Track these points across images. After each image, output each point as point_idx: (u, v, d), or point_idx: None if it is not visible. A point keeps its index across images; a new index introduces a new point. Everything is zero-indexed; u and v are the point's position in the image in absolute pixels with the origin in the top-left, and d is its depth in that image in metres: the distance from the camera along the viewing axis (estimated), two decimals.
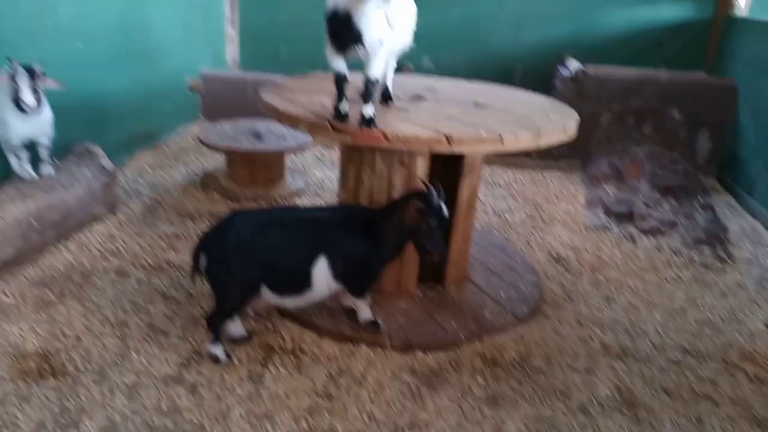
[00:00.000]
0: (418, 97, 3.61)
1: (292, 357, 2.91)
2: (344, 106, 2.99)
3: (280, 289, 2.85)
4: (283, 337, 3.03)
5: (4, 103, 3.60)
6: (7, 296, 3.24)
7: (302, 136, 4.98)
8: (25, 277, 3.43)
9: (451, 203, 3.20)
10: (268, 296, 2.85)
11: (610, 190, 5.26)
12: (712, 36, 6.53)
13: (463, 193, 3.40)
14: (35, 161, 3.91)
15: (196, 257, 2.79)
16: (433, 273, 3.51)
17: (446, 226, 2.96)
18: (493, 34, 6.86)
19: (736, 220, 4.95)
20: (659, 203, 4.91)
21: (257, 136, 5.03)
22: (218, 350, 2.84)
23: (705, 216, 4.70)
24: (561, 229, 4.61)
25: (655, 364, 3.04)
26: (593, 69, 6.02)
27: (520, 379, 2.86)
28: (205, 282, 2.84)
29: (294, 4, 7.12)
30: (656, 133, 5.99)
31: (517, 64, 6.82)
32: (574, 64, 6.11)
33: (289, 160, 5.46)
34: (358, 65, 2.99)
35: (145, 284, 3.46)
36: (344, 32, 2.86)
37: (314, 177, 5.43)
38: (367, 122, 2.89)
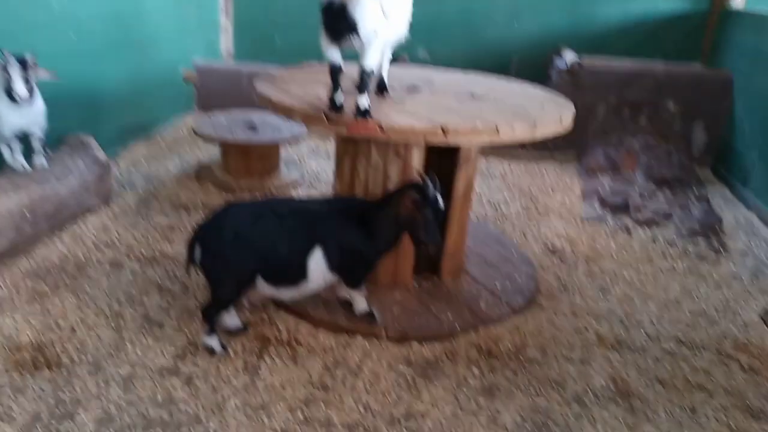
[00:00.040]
0: (413, 89, 3.60)
1: (287, 348, 2.91)
2: (339, 97, 2.98)
3: (276, 280, 2.85)
4: (278, 329, 3.03)
5: None
6: (1, 288, 3.23)
7: (297, 128, 4.96)
8: (19, 269, 3.42)
9: (447, 195, 3.20)
10: (263, 288, 2.84)
11: (605, 182, 5.27)
12: (708, 28, 6.52)
13: (459, 184, 3.39)
14: (28, 153, 3.88)
15: (190, 248, 2.78)
16: (428, 264, 3.51)
17: (442, 218, 2.96)
18: (489, 25, 6.83)
19: (731, 212, 4.96)
20: (654, 194, 4.91)
21: (252, 127, 5.00)
22: (214, 341, 2.83)
23: (700, 207, 4.71)
24: (556, 220, 4.61)
25: (650, 355, 3.05)
26: (589, 60, 6.01)
27: (516, 369, 2.87)
28: (200, 273, 2.83)
29: None
30: (652, 124, 5.99)
31: (513, 56, 6.80)
32: (570, 56, 6.10)
33: (284, 152, 5.44)
34: (353, 56, 2.97)
35: (139, 276, 3.45)
36: (339, 22, 2.84)
37: (309, 168, 5.41)
38: (362, 113, 2.88)
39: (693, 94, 5.86)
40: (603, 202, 4.85)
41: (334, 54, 2.96)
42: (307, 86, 3.46)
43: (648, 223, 4.51)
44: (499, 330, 3.15)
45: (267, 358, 2.82)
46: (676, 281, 3.79)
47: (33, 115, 3.76)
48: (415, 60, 6.62)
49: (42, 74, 3.70)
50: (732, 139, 5.72)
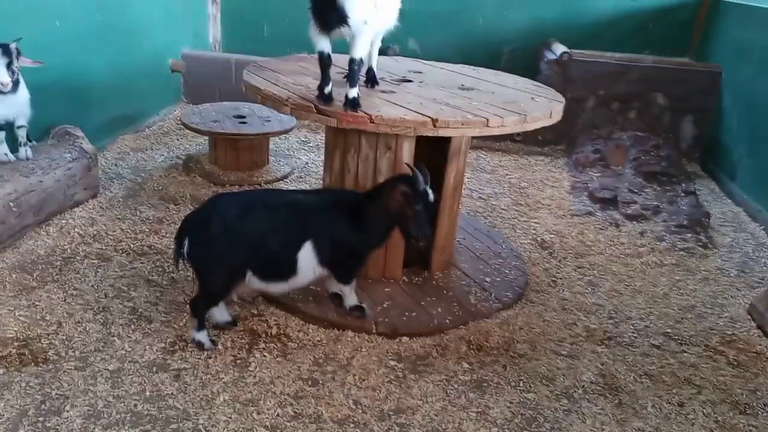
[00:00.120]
0: (403, 80, 3.58)
1: (277, 343, 2.90)
2: (329, 88, 2.96)
3: (266, 274, 2.83)
4: (268, 323, 3.01)
5: None
6: None
7: (287, 119, 4.93)
8: (5, 263, 3.37)
9: (437, 188, 3.19)
10: (253, 282, 2.82)
11: (594, 176, 5.28)
12: (697, 21, 6.54)
13: (449, 177, 3.39)
14: (13, 143, 3.82)
15: (179, 241, 2.75)
16: (418, 258, 3.50)
17: (432, 211, 2.95)
18: (480, 17, 6.80)
19: (719, 206, 5.00)
20: (643, 189, 4.93)
21: (241, 118, 4.96)
22: (203, 336, 2.81)
23: (688, 202, 4.74)
24: (546, 214, 4.62)
25: (638, 349, 3.07)
26: (578, 53, 6.00)
27: (505, 364, 2.87)
28: (189, 267, 2.81)
29: None
30: (641, 118, 6.01)
31: (504, 48, 6.78)
32: (559, 49, 6.09)
33: (274, 144, 5.40)
34: (343, 46, 2.96)
35: (127, 269, 3.42)
36: (328, 12, 2.82)
37: (299, 161, 5.38)
38: (352, 104, 2.87)
39: (682, 87, 5.87)
40: (592, 197, 4.87)
41: (323, 44, 2.94)
42: (296, 77, 3.44)
43: (636, 218, 4.53)
44: (489, 324, 3.15)
45: (256, 353, 2.81)
46: (664, 276, 3.81)
47: (17, 105, 3.71)
48: (405, 52, 6.59)
49: (26, 62, 3.64)
50: (720, 134, 5.75)
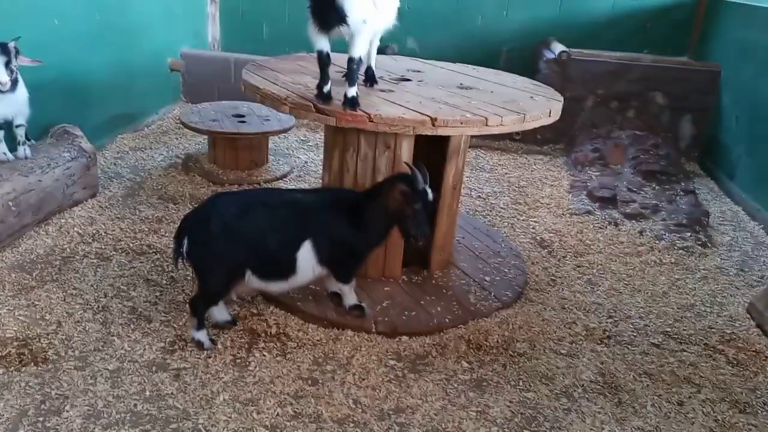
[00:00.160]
0: (402, 79, 3.58)
1: (277, 342, 2.89)
2: (328, 87, 2.95)
3: (265, 273, 2.83)
4: (267, 323, 3.01)
5: None
6: None
7: (286, 118, 4.93)
8: (4, 262, 3.37)
9: (436, 187, 3.19)
10: (252, 281, 2.82)
11: (593, 175, 5.28)
12: (696, 20, 6.54)
13: (449, 176, 3.39)
14: (11, 142, 3.81)
15: (178, 241, 2.75)
16: (417, 257, 3.50)
17: (431, 210, 2.95)
18: (479, 16, 6.80)
19: (718, 205, 5.00)
20: (642, 188, 4.93)
21: (240, 117, 4.96)
22: (202, 336, 2.81)
23: (687, 201, 4.74)
24: (545, 213, 4.62)
25: (638, 348, 3.07)
26: (577, 53, 6.00)
27: (505, 363, 2.87)
28: (189, 266, 2.81)
29: None
30: (639, 117, 6.01)
31: (503, 47, 6.78)
32: (558, 48, 6.09)
33: (273, 143, 5.40)
34: (342, 45, 2.96)
35: (126, 269, 3.41)
36: (327, 11, 2.82)
37: (298, 160, 5.38)
38: (351, 103, 2.86)
39: (681, 86, 5.87)
40: (591, 196, 4.87)
41: (322, 43, 2.94)
42: (295, 76, 3.44)
43: (636, 217, 4.53)
44: (489, 324, 3.15)
45: (256, 353, 2.81)
46: (663, 275, 3.81)
47: (16, 104, 3.70)
48: (404, 51, 6.59)
49: (24, 61, 3.63)
50: (719, 133, 5.76)
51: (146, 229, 3.87)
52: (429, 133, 2.86)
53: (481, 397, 2.65)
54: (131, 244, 3.67)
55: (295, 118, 4.34)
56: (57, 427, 2.32)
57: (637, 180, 5.04)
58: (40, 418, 2.35)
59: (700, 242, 4.21)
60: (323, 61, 2.96)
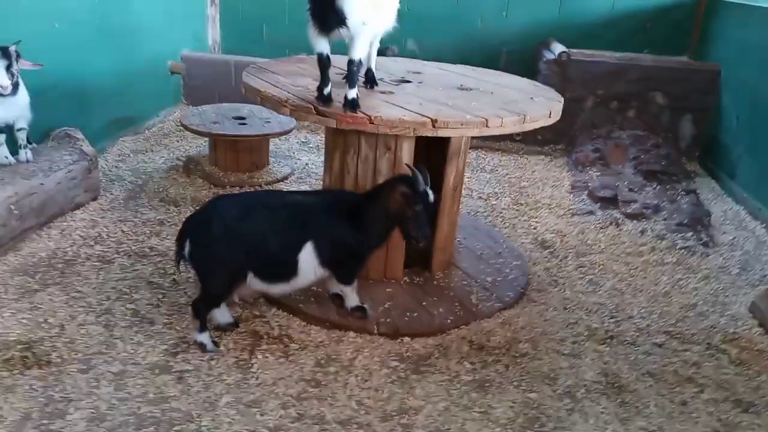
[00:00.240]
0: (403, 81, 3.59)
1: (279, 344, 2.90)
2: (328, 89, 2.96)
3: (267, 275, 2.83)
4: (270, 324, 3.01)
5: None
6: None
7: (286, 120, 4.93)
8: (7, 265, 3.37)
9: (437, 188, 3.19)
10: (254, 283, 2.83)
11: (594, 175, 5.28)
12: (695, 20, 6.55)
13: (449, 177, 3.39)
14: (13, 146, 3.82)
15: (180, 243, 2.75)
16: (419, 258, 3.50)
17: (432, 212, 2.95)
18: (479, 17, 6.81)
19: (719, 205, 5.00)
20: (643, 188, 4.94)
21: (240, 120, 4.96)
22: (205, 338, 2.81)
23: (688, 200, 4.74)
24: (546, 213, 4.62)
25: (640, 348, 3.07)
26: (577, 53, 6.01)
27: (508, 364, 2.87)
28: (191, 269, 2.81)
29: None
30: (640, 117, 6.02)
31: (502, 48, 6.79)
32: (558, 48, 6.10)
33: (274, 145, 5.40)
34: (342, 47, 2.96)
35: (129, 271, 3.42)
36: (327, 13, 2.82)
37: (299, 162, 5.38)
38: (351, 104, 2.87)
39: (681, 86, 5.88)
40: (592, 196, 4.87)
41: (322, 45, 2.94)
42: (295, 78, 3.44)
43: (637, 217, 4.53)
44: (491, 324, 3.15)
45: (259, 355, 2.81)
46: (665, 274, 3.81)
47: (17, 108, 3.71)
48: (404, 52, 6.59)
49: (25, 65, 3.64)
50: (719, 132, 5.76)
51: (148, 231, 3.88)
52: (429, 135, 2.87)
53: (484, 397, 2.65)
54: (133, 247, 3.67)
55: (295, 120, 4.35)
56: (61, 430, 2.32)
57: (638, 180, 5.04)
58: (44, 421, 2.36)
59: (701, 242, 4.22)
60: (323, 63, 2.96)
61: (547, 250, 4.04)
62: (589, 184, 5.06)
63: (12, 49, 3.53)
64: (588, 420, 2.57)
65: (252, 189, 4.67)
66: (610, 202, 4.76)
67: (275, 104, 3.05)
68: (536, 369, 2.85)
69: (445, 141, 3.23)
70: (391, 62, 4.16)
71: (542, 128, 3.36)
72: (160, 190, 4.53)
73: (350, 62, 2.91)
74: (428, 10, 6.67)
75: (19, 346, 2.73)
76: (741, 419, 2.62)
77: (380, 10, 3.05)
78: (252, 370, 2.71)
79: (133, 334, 2.90)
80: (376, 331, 3.01)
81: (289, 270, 2.82)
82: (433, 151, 3.28)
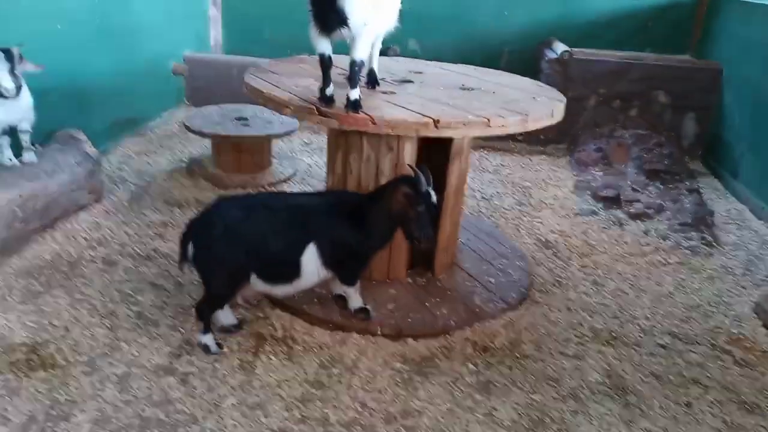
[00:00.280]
0: (404, 81, 3.58)
1: (283, 346, 2.90)
2: (330, 90, 2.96)
3: (270, 277, 2.83)
4: (273, 326, 3.02)
5: None
6: None
7: (289, 121, 4.93)
8: (11, 268, 3.38)
9: (440, 189, 3.19)
10: (257, 284, 2.83)
11: (597, 175, 5.28)
12: (697, 18, 6.54)
13: (452, 178, 3.39)
14: (16, 148, 3.83)
15: (183, 245, 2.75)
16: (422, 259, 3.50)
17: (435, 212, 2.95)
18: (480, 17, 6.81)
19: (722, 204, 4.99)
20: (646, 187, 4.93)
21: (243, 120, 4.97)
22: (209, 340, 2.82)
23: (691, 200, 4.73)
24: (549, 214, 4.62)
25: (644, 349, 3.07)
26: (579, 52, 6.00)
27: (511, 365, 2.87)
28: (194, 270, 2.82)
29: None
30: (642, 116, 6.00)
31: (504, 48, 6.79)
32: (560, 48, 6.09)
33: (276, 146, 5.41)
34: (344, 48, 2.96)
35: (133, 273, 3.42)
36: (328, 13, 2.82)
37: (302, 163, 5.38)
38: (353, 105, 2.87)
39: (683, 85, 5.87)
40: (595, 196, 4.87)
41: (324, 45, 2.94)
42: (297, 78, 3.44)
43: (640, 217, 4.53)
44: (494, 325, 3.15)
45: (263, 356, 2.81)
46: (668, 275, 3.81)
47: (21, 110, 3.71)
48: (406, 52, 6.59)
49: (28, 67, 3.64)
50: (722, 131, 5.75)
51: (152, 233, 3.88)
52: (431, 135, 2.86)
53: (488, 399, 2.65)
54: (137, 249, 3.68)
55: (298, 120, 4.35)
56: None
57: (641, 179, 5.03)
58: (49, 424, 2.36)
59: (705, 242, 4.21)
60: (325, 63, 2.96)
61: (550, 251, 4.04)
62: (592, 184, 5.06)
63: (15, 51, 3.53)
64: (592, 422, 2.57)
65: (255, 190, 4.67)
66: (613, 201, 4.75)
67: (278, 105, 3.04)
68: (540, 370, 2.85)
69: (447, 141, 3.23)
70: (393, 62, 4.16)
71: (545, 128, 3.36)
72: (164, 191, 4.53)
73: (352, 63, 2.91)
74: (430, 10, 6.67)
75: (24, 349, 2.74)
76: (746, 421, 2.62)
77: (381, 11, 3.04)
78: (256, 371, 2.71)
79: (137, 336, 2.90)
80: (379, 333, 3.02)
81: (292, 271, 2.82)
82: (436, 152, 3.28)
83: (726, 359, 3.03)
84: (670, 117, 5.98)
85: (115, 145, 5.37)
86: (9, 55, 3.49)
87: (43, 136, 4.18)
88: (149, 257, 3.60)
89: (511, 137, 6.03)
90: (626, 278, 3.74)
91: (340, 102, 2.93)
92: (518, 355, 2.94)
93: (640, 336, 3.17)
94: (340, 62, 3.11)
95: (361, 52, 2.91)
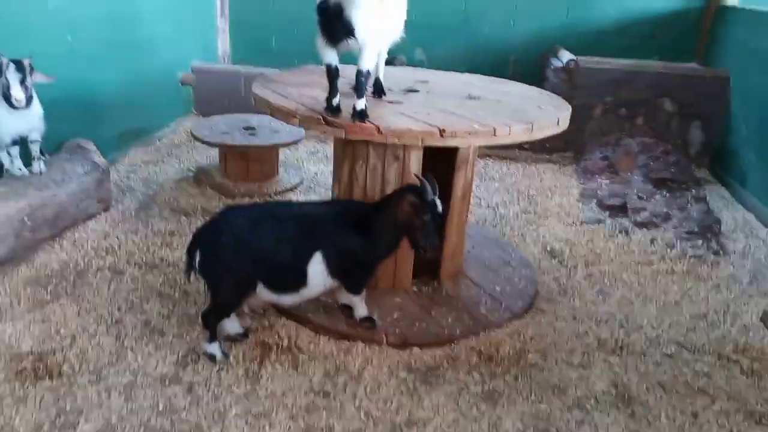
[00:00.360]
0: (410, 90, 3.60)
1: (288, 355, 2.90)
2: (337, 99, 2.98)
3: (276, 286, 2.84)
4: (279, 335, 3.02)
5: None
6: (1, 296, 3.22)
7: (295, 130, 4.96)
8: (19, 276, 3.41)
9: (445, 197, 3.20)
10: (263, 293, 2.84)
11: (603, 183, 5.27)
12: (703, 26, 6.53)
13: (457, 187, 3.40)
14: (26, 158, 3.86)
15: (190, 254, 2.77)
16: (428, 268, 3.50)
17: (440, 221, 2.96)
18: (486, 25, 6.83)
19: (729, 212, 4.97)
20: (652, 195, 4.92)
21: (250, 130, 5.00)
22: (214, 349, 2.83)
23: (698, 208, 4.72)
24: (555, 222, 4.61)
25: (651, 359, 3.05)
26: (585, 60, 6.01)
27: (517, 374, 2.87)
28: (201, 279, 2.83)
29: None
30: (649, 124, 6.00)
31: (510, 57, 6.80)
32: (566, 56, 6.10)
33: (283, 155, 5.43)
34: (350, 58, 2.98)
35: (140, 282, 3.44)
36: (335, 24, 2.84)
37: (308, 172, 5.41)
38: (360, 115, 2.88)
39: (690, 93, 5.86)
40: (601, 204, 4.86)
41: (330, 56, 2.96)
42: (304, 88, 3.46)
43: (646, 225, 4.52)
44: (500, 335, 3.15)
45: (268, 365, 2.82)
46: (675, 284, 3.79)
47: (31, 120, 3.75)
48: (412, 61, 6.62)
49: (39, 78, 3.68)
50: (729, 139, 5.73)
51: (159, 242, 3.91)
52: (437, 144, 2.88)
53: (493, 409, 2.65)
54: (144, 258, 3.70)
55: (304, 130, 4.37)
56: None
57: (648, 188, 5.02)
58: None
59: (712, 250, 4.19)
60: (332, 74, 2.98)
61: (556, 260, 4.03)
62: (598, 192, 5.05)
63: (26, 62, 3.57)
64: None
65: (262, 199, 4.69)
66: (620, 210, 4.74)
67: (285, 115, 3.07)
68: (545, 380, 2.84)
69: (453, 150, 3.24)
70: (399, 72, 4.18)
71: (550, 136, 3.36)
72: (171, 200, 4.56)
73: (359, 73, 2.93)
74: (436, 20, 6.70)
75: (31, 357, 2.76)
76: (753, 431, 2.60)
77: (388, 21, 3.06)
78: (261, 381, 2.72)
79: (143, 345, 2.92)
80: (384, 342, 3.02)
81: (299, 280, 2.83)
82: (441, 161, 3.29)
83: (733, 369, 3.01)
84: (676, 125, 5.97)
85: (123, 155, 5.41)
86: (20, 67, 3.53)
87: (52, 146, 4.22)
88: (156, 266, 3.62)
89: (517, 145, 6.04)
90: (632, 287, 3.73)
91: (346, 111, 2.95)
92: (524, 365, 2.93)
93: (646, 345, 3.16)
94: (347, 72, 3.13)
95: (367, 63, 2.93)
